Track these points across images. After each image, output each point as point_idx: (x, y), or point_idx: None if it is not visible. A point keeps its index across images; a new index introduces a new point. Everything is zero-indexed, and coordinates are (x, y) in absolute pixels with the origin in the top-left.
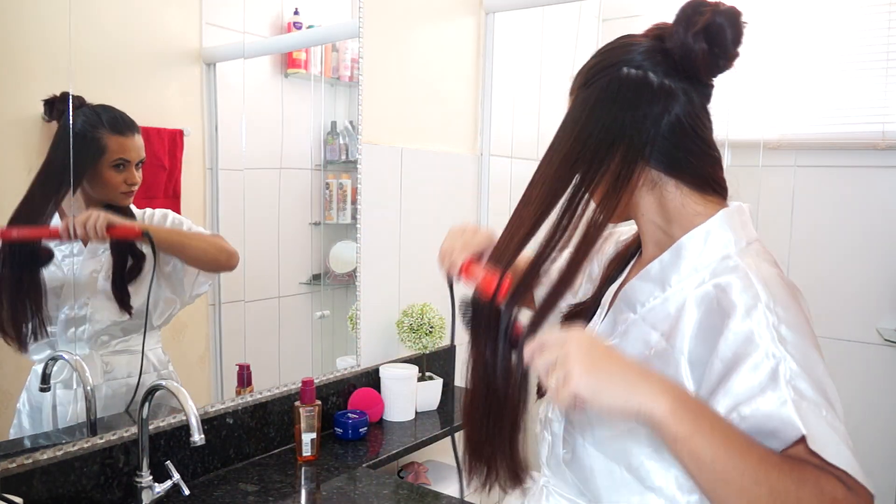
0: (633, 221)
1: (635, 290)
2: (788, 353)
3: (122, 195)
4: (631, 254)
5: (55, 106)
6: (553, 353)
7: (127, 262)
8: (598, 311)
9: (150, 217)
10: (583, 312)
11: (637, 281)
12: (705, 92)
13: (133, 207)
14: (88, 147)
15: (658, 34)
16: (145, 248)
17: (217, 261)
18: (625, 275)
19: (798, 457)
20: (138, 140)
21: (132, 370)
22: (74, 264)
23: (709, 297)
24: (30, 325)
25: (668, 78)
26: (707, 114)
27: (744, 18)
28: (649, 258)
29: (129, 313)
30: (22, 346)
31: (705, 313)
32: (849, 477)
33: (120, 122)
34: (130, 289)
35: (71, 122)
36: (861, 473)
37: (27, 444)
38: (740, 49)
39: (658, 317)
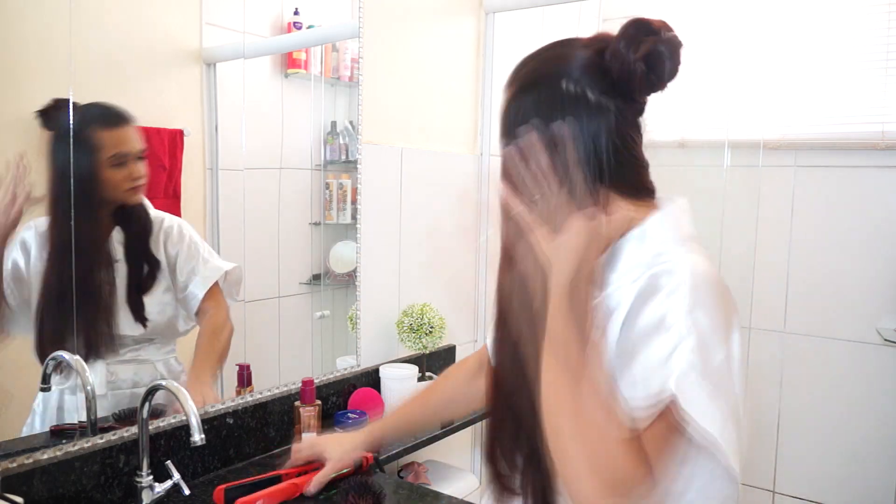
0: None
1: None
2: (695, 333)
3: (129, 192)
4: None
5: (49, 114)
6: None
7: (143, 272)
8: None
9: (161, 222)
10: None
11: None
12: (638, 108)
13: (150, 207)
14: (81, 147)
15: (600, 48)
16: (160, 256)
17: (228, 340)
18: None
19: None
20: (132, 131)
21: (138, 380)
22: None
23: (641, 289)
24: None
25: (603, 95)
26: (638, 127)
27: (679, 46)
28: None
29: (144, 325)
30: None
31: (635, 301)
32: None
33: (109, 116)
34: (145, 300)
35: (71, 122)
36: (727, 449)
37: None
38: (675, 73)
39: (598, 315)
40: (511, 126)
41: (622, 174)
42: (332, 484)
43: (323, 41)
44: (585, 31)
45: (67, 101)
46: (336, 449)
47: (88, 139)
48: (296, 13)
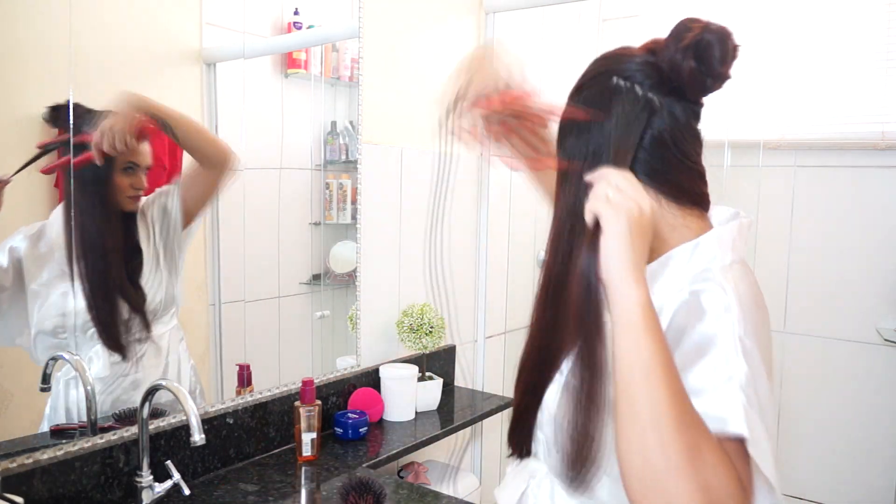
0: None
1: None
2: (746, 363)
3: (129, 199)
4: None
5: (60, 113)
6: (618, 195)
7: (132, 259)
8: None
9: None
10: None
11: None
12: (692, 110)
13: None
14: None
15: (652, 48)
16: (142, 240)
17: (214, 145)
18: None
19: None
20: (147, 146)
21: (139, 365)
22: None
23: (683, 304)
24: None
25: (652, 91)
26: (693, 131)
27: (735, 39)
28: None
29: (143, 311)
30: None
31: (676, 316)
32: (751, 487)
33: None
34: (142, 284)
35: (71, 122)
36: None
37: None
38: (729, 70)
39: None
40: (568, 125)
41: (669, 176)
42: None
43: (323, 41)
44: (585, 32)
45: (70, 100)
46: None
47: None
48: (296, 13)
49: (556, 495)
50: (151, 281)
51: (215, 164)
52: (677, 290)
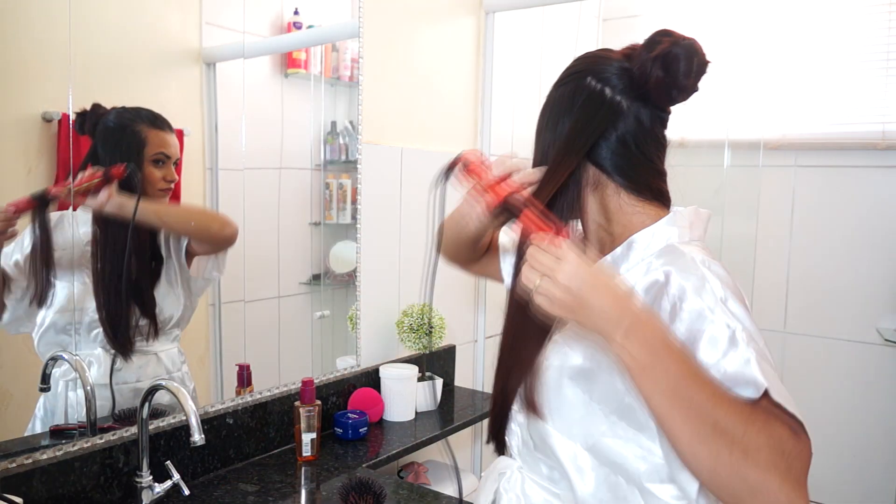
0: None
1: None
2: (739, 320)
3: (161, 192)
4: None
5: (87, 118)
6: (547, 262)
7: (150, 265)
8: None
9: None
10: None
11: None
12: (658, 116)
13: None
14: (130, 139)
15: (628, 54)
16: (163, 250)
17: (209, 228)
18: None
19: (758, 405)
20: (174, 138)
21: (141, 373)
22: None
23: (657, 284)
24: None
25: (621, 95)
26: (656, 137)
27: (704, 56)
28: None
29: (154, 319)
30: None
31: (653, 298)
32: (797, 423)
33: (158, 119)
34: (155, 294)
35: (72, 121)
36: (805, 423)
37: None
38: (696, 83)
39: None
40: (543, 117)
41: (629, 172)
42: None
43: (323, 41)
44: (585, 32)
45: (70, 100)
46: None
47: (137, 134)
48: (296, 13)
49: (528, 488)
50: (167, 293)
51: (223, 246)
52: (645, 268)
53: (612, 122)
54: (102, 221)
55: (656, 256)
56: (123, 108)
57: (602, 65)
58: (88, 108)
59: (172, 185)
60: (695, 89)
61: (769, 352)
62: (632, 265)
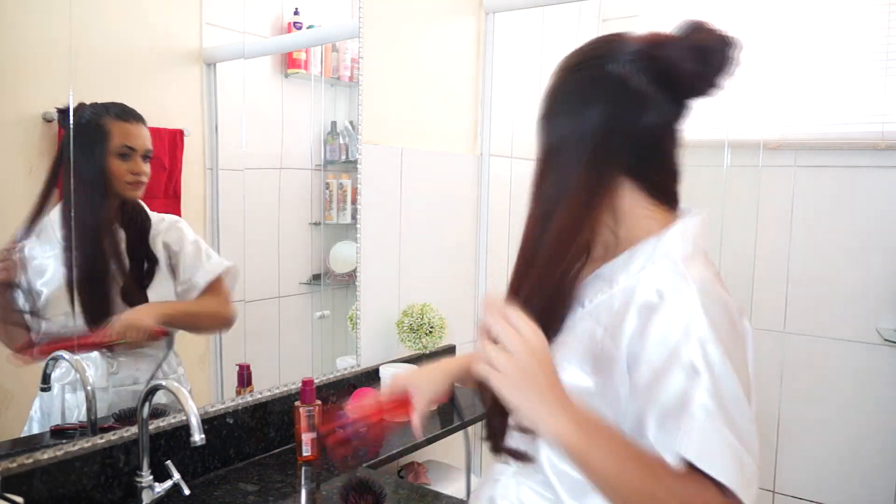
0: None
1: (586, 287)
2: (708, 370)
3: (128, 186)
4: None
5: (66, 114)
6: (504, 338)
7: (143, 268)
8: None
9: (161, 221)
10: None
11: (590, 279)
12: (679, 111)
13: (146, 209)
14: (92, 134)
15: (653, 41)
16: (158, 253)
17: (210, 329)
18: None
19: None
20: (143, 130)
21: (138, 376)
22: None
23: (650, 305)
24: None
25: (648, 85)
26: (676, 132)
27: (737, 50)
28: (597, 258)
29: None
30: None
31: (641, 312)
32: (730, 491)
33: (125, 111)
34: (148, 294)
35: (72, 121)
36: (744, 490)
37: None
38: (725, 80)
39: (603, 312)
40: (551, 106)
41: (647, 170)
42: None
43: (323, 41)
44: (585, 32)
45: (70, 100)
46: (424, 379)
47: (101, 128)
48: (296, 13)
49: (523, 494)
50: (161, 295)
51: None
52: (643, 281)
53: (639, 114)
54: (76, 226)
55: (656, 271)
56: (95, 103)
57: (621, 50)
58: (68, 104)
59: (143, 179)
60: (722, 87)
61: (739, 406)
62: (630, 275)
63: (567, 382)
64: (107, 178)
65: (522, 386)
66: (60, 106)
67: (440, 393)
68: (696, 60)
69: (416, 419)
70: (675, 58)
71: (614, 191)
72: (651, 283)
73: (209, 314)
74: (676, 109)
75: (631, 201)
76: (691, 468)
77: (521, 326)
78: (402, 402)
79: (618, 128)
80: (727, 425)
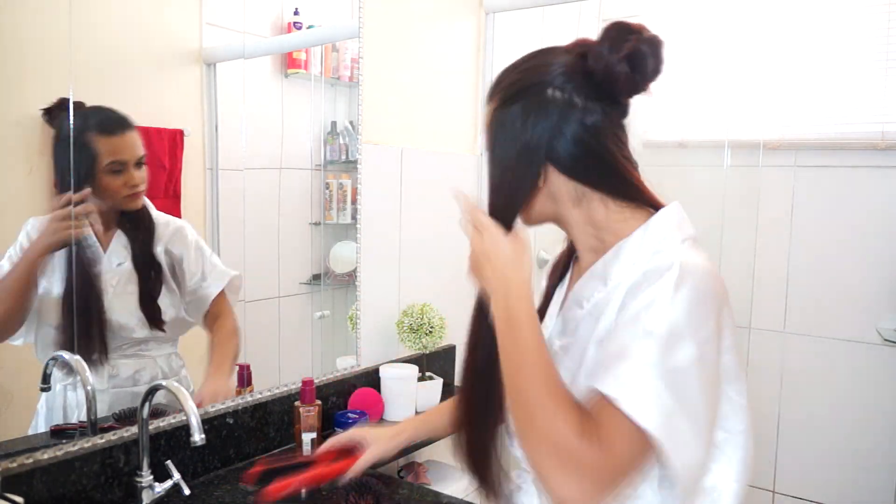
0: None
1: (582, 288)
2: (662, 337)
3: (126, 199)
4: (565, 263)
5: (52, 113)
6: (477, 234)
7: (150, 276)
8: (547, 317)
9: (166, 226)
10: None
11: (583, 280)
12: (622, 110)
13: (152, 210)
14: (81, 153)
15: (581, 52)
16: (162, 259)
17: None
18: (567, 280)
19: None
20: (132, 137)
21: (138, 377)
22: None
23: (633, 283)
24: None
25: (589, 100)
26: (623, 129)
27: (665, 49)
28: (587, 262)
29: (161, 329)
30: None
31: (626, 296)
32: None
33: (109, 123)
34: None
35: (72, 121)
36: (676, 449)
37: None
38: (657, 77)
39: (602, 310)
40: (497, 139)
41: (615, 178)
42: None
43: (323, 41)
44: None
45: (71, 100)
46: (376, 436)
47: (87, 145)
48: (296, 13)
49: (545, 500)
50: (167, 301)
51: None
52: (633, 273)
53: (588, 129)
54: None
55: (645, 261)
56: (77, 111)
57: (552, 71)
58: (55, 101)
59: (141, 188)
60: (655, 80)
61: (704, 369)
62: (623, 268)
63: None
64: (99, 195)
65: (476, 270)
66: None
67: (385, 457)
68: (628, 65)
69: (356, 467)
70: (607, 66)
71: (565, 197)
72: (639, 269)
73: (236, 343)
74: (619, 111)
75: (605, 211)
76: (609, 410)
77: (481, 223)
78: (349, 454)
79: (571, 146)
80: (667, 387)
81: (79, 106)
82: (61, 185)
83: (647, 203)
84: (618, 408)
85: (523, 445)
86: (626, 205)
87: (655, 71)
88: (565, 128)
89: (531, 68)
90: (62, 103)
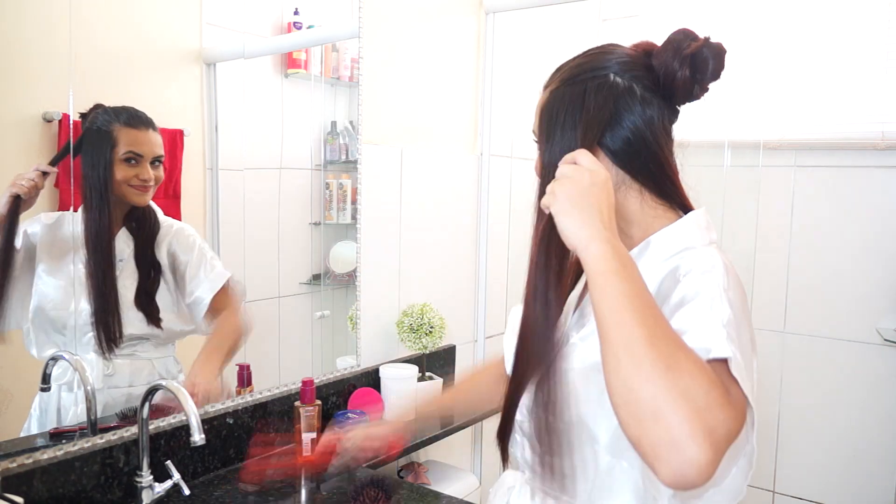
0: None
1: None
2: (730, 308)
3: (134, 190)
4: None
5: (88, 115)
6: (562, 172)
7: (150, 275)
8: (565, 309)
9: (170, 227)
10: None
11: None
12: (672, 116)
13: (159, 213)
14: (100, 140)
15: (646, 50)
16: (162, 260)
17: (244, 341)
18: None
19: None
20: (153, 136)
21: (134, 379)
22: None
23: (672, 269)
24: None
25: (648, 92)
26: (670, 135)
27: (726, 55)
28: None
29: (158, 326)
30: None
31: (662, 282)
32: (747, 405)
33: (133, 117)
34: (158, 302)
35: (72, 120)
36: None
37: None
38: (715, 82)
39: None
40: (554, 118)
41: (659, 172)
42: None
43: (323, 41)
44: (585, 32)
45: (71, 100)
46: (353, 441)
47: (108, 134)
48: (296, 13)
49: (538, 500)
50: (166, 301)
51: None
52: (664, 259)
53: (643, 119)
54: (90, 230)
55: (674, 255)
56: (107, 108)
57: (619, 59)
58: (90, 108)
59: (151, 184)
60: (709, 89)
61: (753, 348)
62: (648, 262)
63: (584, 365)
64: (111, 184)
65: (569, 210)
66: (64, 107)
67: (360, 460)
68: (689, 68)
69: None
70: (668, 67)
71: (622, 195)
72: (674, 264)
73: (234, 339)
74: (668, 115)
75: (640, 203)
76: (729, 375)
77: (582, 160)
78: (328, 451)
79: (625, 132)
80: (743, 355)
81: (101, 106)
82: (81, 182)
83: (680, 205)
84: (730, 372)
85: (647, 405)
86: (661, 202)
87: (714, 76)
88: (623, 114)
89: (596, 55)
90: (97, 108)
